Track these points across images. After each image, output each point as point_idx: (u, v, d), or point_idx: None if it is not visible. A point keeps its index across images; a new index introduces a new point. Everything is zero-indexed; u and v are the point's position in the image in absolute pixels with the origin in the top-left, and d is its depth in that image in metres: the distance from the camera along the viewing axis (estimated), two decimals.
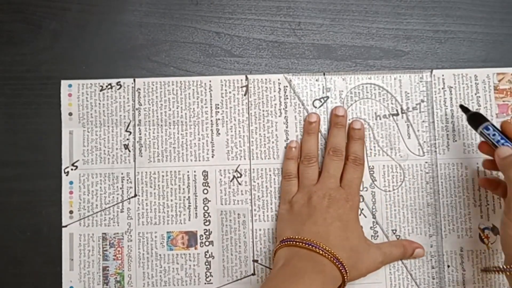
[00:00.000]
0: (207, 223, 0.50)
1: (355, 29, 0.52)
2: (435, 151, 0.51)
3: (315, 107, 0.51)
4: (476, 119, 0.47)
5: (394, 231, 0.50)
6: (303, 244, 0.44)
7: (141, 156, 0.51)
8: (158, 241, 0.50)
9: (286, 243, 0.45)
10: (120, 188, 0.50)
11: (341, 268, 0.43)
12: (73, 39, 0.52)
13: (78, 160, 0.51)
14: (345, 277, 0.43)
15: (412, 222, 0.50)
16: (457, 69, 0.52)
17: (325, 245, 0.43)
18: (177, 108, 0.51)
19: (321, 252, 0.43)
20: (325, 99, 0.50)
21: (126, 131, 0.51)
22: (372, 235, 0.50)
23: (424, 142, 0.51)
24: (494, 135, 0.45)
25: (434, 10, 0.52)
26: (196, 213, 0.50)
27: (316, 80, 0.51)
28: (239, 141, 0.51)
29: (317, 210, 0.46)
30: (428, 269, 0.50)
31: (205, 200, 0.50)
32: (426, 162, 0.50)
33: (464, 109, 0.48)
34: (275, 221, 0.50)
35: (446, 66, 0.52)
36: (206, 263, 0.50)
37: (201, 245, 0.50)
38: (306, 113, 0.51)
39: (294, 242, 0.44)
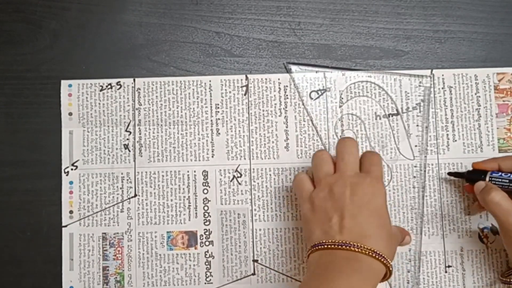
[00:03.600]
0: (207, 223, 0.50)
1: (355, 29, 0.52)
2: (435, 151, 0.51)
3: (311, 98, 0.51)
4: (476, 173, 0.47)
5: None
6: (337, 246, 0.41)
7: (141, 156, 0.51)
8: (158, 241, 0.50)
9: (318, 247, 0.41)
10: (120, 188, 0.50)
11: (383, 260, 0.40)
12: (73, 39, 0.52)
13: (78, 160, 0.51)
14: (390, 267, 0.41)
15: (412, 222, 0.50)
16: (457, 69, 0.52)
17: (360, 242, 0.40)
18: (177, 108, 0.51)
19: (357, 250, 0.40)
20: (322, 91, 0.50)
21: (126, 131, 0.51)
22: None
23: (424, 142, 0.51)
24: (506, 174, 0.46)
25: (434, 10, 0.52)
26: (196, 213, 0.50)
27: (316, 72, 0.51)
28: (239, 141, 0.51)
29: (341, 202, 0.42)
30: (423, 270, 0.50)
31: (205, 200, 0.50)
32: (426, 162, 0.50)
33: (455, 174, 0.49)
34: (275, 221, 0.50)
35: (446, 66, 0.52)
36: (206, 263, 0.50)
37: (201, 245, 0.50)
38: (303, 104, 0.51)
39: (326, 246, 0.41)
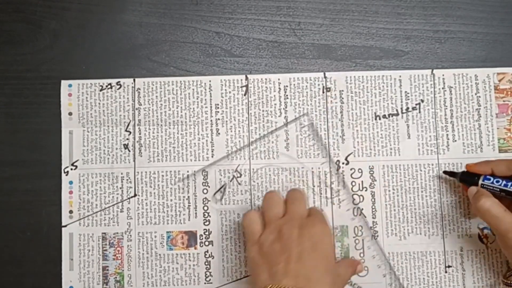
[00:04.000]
0: (207, 223, 0.50)
1: (355, 29, 0.52)
2: (435, 151, 0.51)
3: (216, 200, 0.50)
4: (469, 175, 0.47)
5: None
6: None
7: (141, 156, 0.51)
8: (158, 241, 0.50)
9: None
10: (120, 188, 0.50)
11: None
12: (73, 39, 0.52)
13: (78, 160, 0.51)
14: None
15: (412, 222, 0.50)
16: (457, 69, 0.52)
17: (306, 287, 0.40)
18: (177, 108, 0.51)
19: None
20: (223, 189, 0.50)
21: (126, 131, 0.51)
22: (372, 235, 0.50)
23: (424, 142, 0.51)
24: (497, 181, 0.46)
25: (434, 10, 0.52)
26: (195, 213, 0.50)
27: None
28: (239, 141, 0.51)
29: (289, 244, 0.42)
30: (427, 269, 0.50)
31: (205, 200, 0.50)
32: (426, 163, 0.51)
33: (450, 173, 0.49)
34: None
35: (446, 66, 0.52)
36: (206, 263, 0.50)
37: (201, 245, 0.50)
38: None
39: None
